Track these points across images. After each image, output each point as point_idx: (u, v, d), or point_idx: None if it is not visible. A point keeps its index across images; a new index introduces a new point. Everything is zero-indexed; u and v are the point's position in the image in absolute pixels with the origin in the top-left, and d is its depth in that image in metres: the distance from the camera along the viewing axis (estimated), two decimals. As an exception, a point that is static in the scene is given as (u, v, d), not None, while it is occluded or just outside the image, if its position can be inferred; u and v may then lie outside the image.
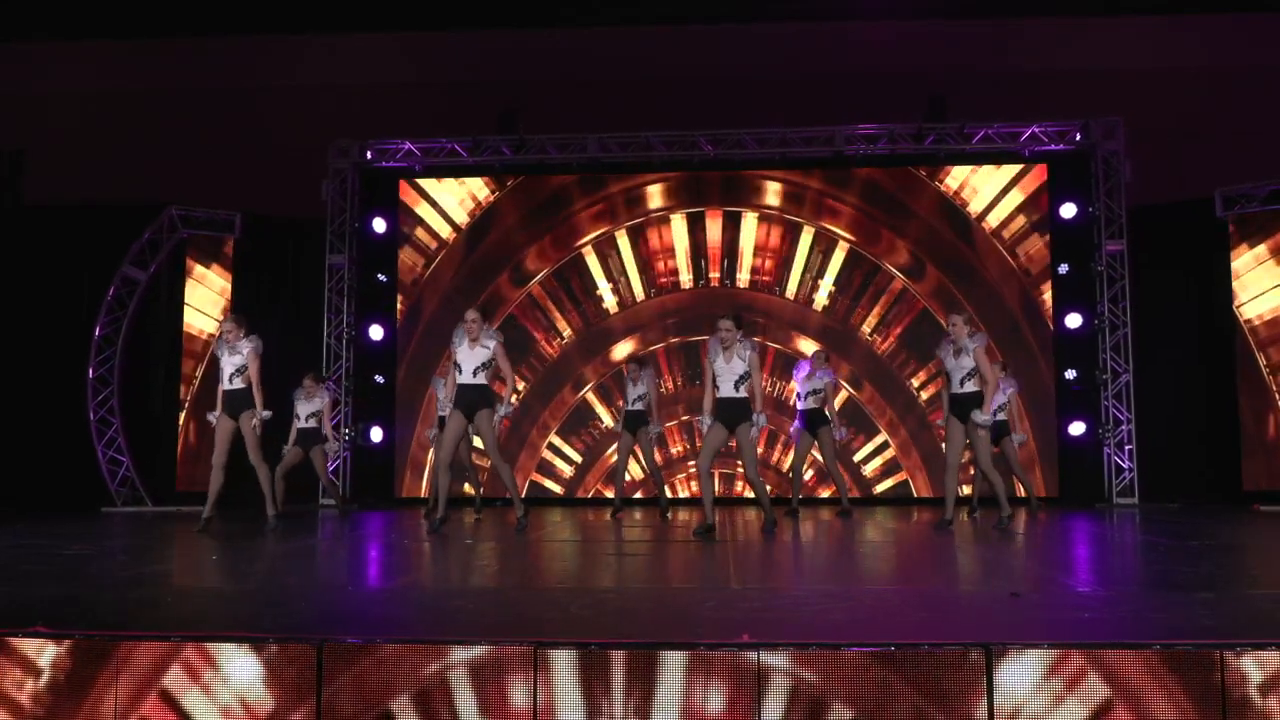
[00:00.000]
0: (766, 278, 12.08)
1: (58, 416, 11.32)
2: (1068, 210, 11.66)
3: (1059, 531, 7.98)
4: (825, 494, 11.59)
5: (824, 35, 12.61)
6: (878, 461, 11.82)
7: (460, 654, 3.00)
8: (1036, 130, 11.58)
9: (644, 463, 9.99)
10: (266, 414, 7.85)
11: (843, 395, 11.67)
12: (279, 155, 12.24)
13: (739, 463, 9.75)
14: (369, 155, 12.23)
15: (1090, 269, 11.55)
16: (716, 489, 11.56)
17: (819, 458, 10.05)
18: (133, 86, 12.92)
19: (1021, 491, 10.24)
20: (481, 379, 7.27)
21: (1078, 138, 11.61)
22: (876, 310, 11.94)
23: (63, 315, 11.50)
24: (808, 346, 11.59)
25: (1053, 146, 11.64)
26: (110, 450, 11.11)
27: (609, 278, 12.21)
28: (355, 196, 12.21)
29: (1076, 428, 11.46)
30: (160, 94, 12.84)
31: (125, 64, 12.95)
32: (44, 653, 3.15)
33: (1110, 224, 11.46)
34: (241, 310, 11.87)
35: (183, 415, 11.57)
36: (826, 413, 9.55)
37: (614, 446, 10.75)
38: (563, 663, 2.96)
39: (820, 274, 12.00)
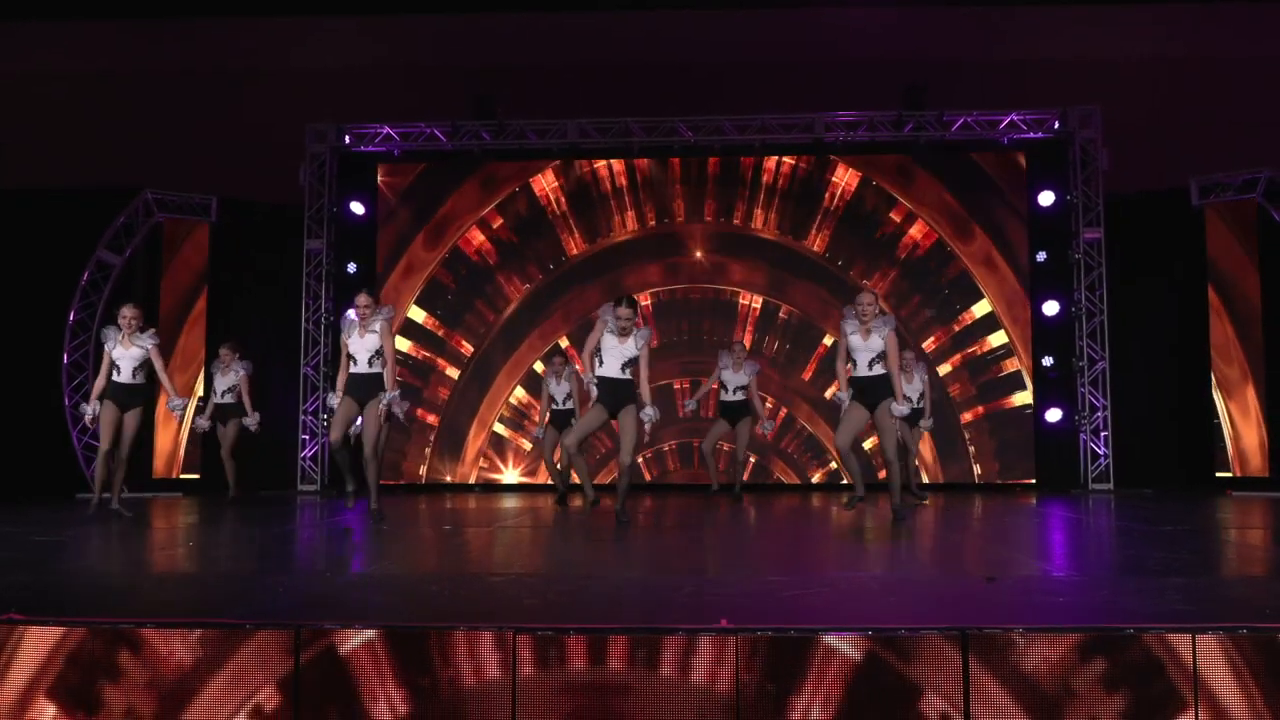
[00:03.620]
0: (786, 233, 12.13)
1: (31, 402, 11.20)
2: (1045, 198, 11.72)
3: (1034, 517, 8.05)
4: (879, 480, 11.61)
5: (805, 21, 12.60)
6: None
7: (438, 639, 2.99)
8: (1015, 118, 11.62)
9: (566, 458, 8.95)
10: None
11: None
12: (255, 139, 12.11)
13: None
14: (346, 140, 12.14)
15: (1067, 257, 11.62)
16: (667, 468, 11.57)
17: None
18: (105, 69, 12.76)
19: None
20: (377, 368, 6.98)
21: (1055, 126, 11.65)
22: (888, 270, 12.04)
23: (36, 300, 11.36)
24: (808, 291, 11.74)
25: (1030, 135, 11.69)
26: (85, 436, 11.01)
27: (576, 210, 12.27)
28: (333, 181, 12.13)
29: (1053, 414, 11.54)
30: (134, 78, 12.68)
31: (97, 47, 12.78)
32: (15, 639, 3.13)
33: (1088, 212, 11.52)
34: (217, 294, 11.83)
35: (159, 404, 11.48)
36: (753, 404, 9.56)
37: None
38: (540, 647, 2.96)
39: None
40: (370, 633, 3.02)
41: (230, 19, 12.54)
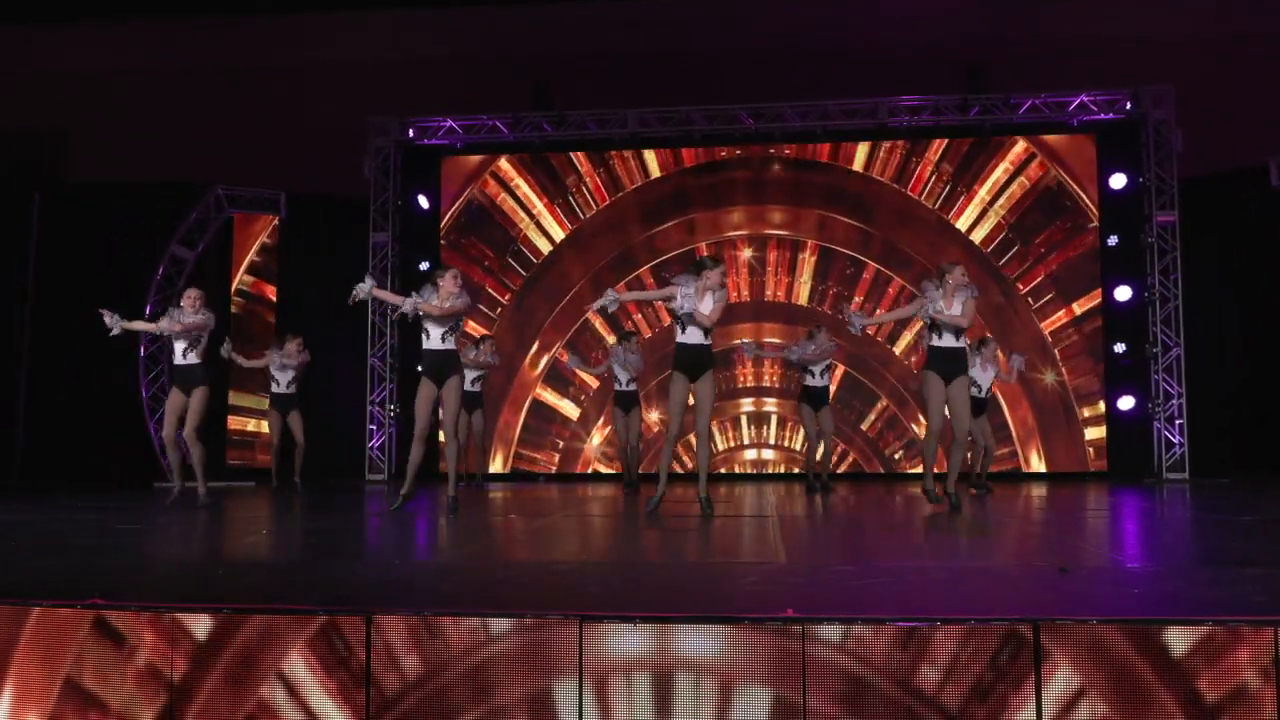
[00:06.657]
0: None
1: (110, 395, 11.53)
2: (1117, 181, 11.45)
3: (1107, 506, 7.89)
4: (912, 470, 11.50)
5: (865, 5, 12.44)
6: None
7: (506, 626, 3.02)
8: (1085, 99, 11.36)
9: (629, 439, 9.68)
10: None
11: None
12: (317, 134, 12.29)
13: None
14: (410, 133, 12.27)
15: (1140, 241, 11.35)
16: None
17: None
18: (170, 66, 13.04)
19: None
20: (450, 343, 6.85)
21: (1128, 106, 11.37)
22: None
23: (112, 293, 11.65)
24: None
25: (1102, 116, 11.42)
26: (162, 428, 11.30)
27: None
28: (397, 174, 12.26)
29: (1125, 402, 11.30)
30: (196, 74, 12.95)
31: (162, 43, 13.07)
32: (101, 624, 3.23)
33: (1161, 195, 11.23)
34: (287, 289, 12.03)
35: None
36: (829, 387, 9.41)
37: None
38: (607, 635, 2.98)
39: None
40: (438, 619, 3.06)
41: (290, 15, 12.74)
